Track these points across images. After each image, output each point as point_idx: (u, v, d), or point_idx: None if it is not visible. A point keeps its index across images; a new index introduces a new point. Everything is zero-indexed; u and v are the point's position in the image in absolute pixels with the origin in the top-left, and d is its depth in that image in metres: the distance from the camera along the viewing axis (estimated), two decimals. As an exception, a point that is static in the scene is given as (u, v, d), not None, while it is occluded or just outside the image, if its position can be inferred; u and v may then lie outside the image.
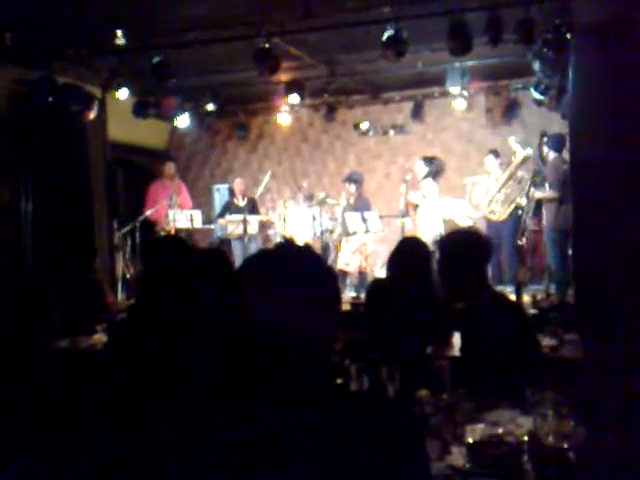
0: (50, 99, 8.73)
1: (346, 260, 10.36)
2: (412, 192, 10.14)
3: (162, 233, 10.29)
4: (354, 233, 10.17)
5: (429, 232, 9.40)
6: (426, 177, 10.02)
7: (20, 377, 4.25)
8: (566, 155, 8.58)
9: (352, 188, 10.68)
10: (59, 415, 3.84)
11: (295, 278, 1.62)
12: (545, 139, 9.28)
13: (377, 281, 5.83)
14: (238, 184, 11.28)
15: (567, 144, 7.91)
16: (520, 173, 9.60)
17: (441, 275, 3.84)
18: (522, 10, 7.38)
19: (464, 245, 3.76)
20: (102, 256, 9.86)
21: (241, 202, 11.06)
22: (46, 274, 7.04)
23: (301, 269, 1.65)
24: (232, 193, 11.40)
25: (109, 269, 10.14)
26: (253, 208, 11.02)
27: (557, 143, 8.85)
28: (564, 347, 4.72)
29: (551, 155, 8.94)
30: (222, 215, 11.12)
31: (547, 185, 8.83)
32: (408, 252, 4.81)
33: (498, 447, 2.54)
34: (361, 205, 10.49)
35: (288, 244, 2.00)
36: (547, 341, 4.63)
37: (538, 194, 8.73)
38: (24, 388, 4.10)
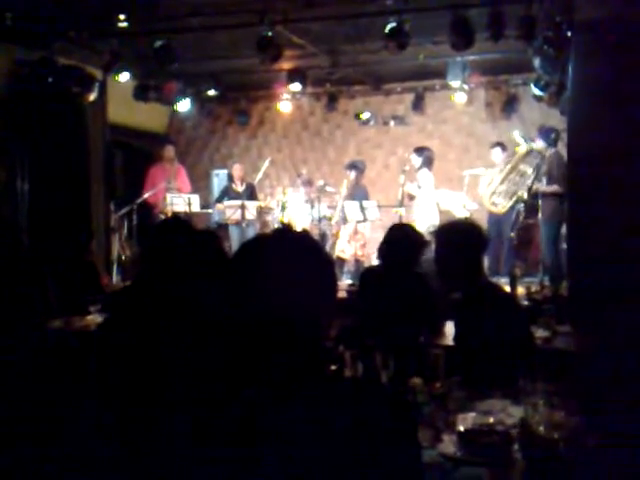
0: (50, 80, 8.68)
1: (343, 247, 10.39)
2: (408, 183, 10.16)
3: (160, 216, 10.27)
4: (352, 221, 10.19)
5: (425, 222, 9.42)
6: (421, 167, 10.03)
7: (14, 356, 4.26)
8: (562, 150, 8.61)
9: (352, 175, 10.66)
10: (52, 394, 3.86)
11: (292, 264, 1.62)
12: (538, 133, 9.32)
13: (369, 269, 5.88)
14: (237, 170, 11.24)
15: (564, 139, 7.94)
16: (522, 166, 9.60)
17: (437, 265, 3.86)
18: (524, 7, 7.43)
19: (460, 235, 3.77)
20: (98, 238, 9.83)
21: (240, 187, 11.04)
22: (42, 255, 7.04)
23: (298, 255, 1.64)
24: (231, 178, 11.37)
25: (105, 251, 10.14)
26: (251, 194, 11.00)
27: (553, 138, 8.87)
28: (557, 338, 4.75)
29: (548, 150, 8.96)
30: (220, 200, 11.10)
31: (545, 180, 8.85)
32: (396, 240, 4.84)
33: (489, 436, 2.57)
34: (358, 193, 10.50)
35: (285, 230, 2.00)
36: (540, 332, 4.65)
37: (543, 188, 8.75)
38: (18, 367, 4.11)
